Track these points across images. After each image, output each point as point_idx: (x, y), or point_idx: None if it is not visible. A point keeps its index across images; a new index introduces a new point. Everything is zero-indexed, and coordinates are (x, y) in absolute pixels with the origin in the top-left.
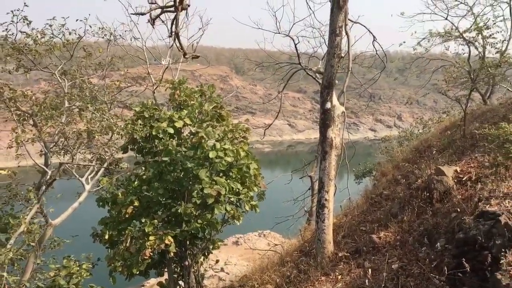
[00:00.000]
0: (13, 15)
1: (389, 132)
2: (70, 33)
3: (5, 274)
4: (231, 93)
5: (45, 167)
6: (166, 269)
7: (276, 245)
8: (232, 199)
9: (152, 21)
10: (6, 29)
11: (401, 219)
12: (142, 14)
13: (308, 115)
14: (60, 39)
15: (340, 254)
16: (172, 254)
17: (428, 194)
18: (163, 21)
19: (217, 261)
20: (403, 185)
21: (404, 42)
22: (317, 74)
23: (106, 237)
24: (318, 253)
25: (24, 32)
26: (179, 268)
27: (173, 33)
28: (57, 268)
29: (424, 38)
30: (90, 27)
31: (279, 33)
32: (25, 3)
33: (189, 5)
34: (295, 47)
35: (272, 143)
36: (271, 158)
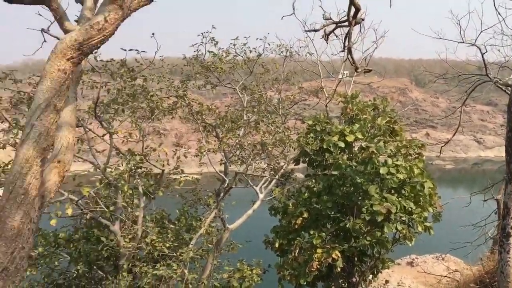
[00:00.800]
0: (203, 37)
1: None
2: (250, 51)
3: (186, 271)
4: (411, 106)
5: (224, 176)
6: (333, 284)
7: (454, 271)
8: (403, 218)
9: (326, 36)
10: (197, 50)
11: None
12: (316, 30)
13: (499, 130)
14: (242, 57)
15: None
16: (339, 269)
17: None
18: (336, 36)
19: (386, 282)
20: None
21: None
22: (508, 87)
23: (277, 245)
24: (501, 287)
25: (211, 51)
26: (346, 284)
27: (346, 48)
28: (231, 270)
29: None
30: (269, 44)
31: (463, 42)
32: (213, 26)
33: (363, 19)
34: (482, 56)
35: (454, 160)
36: (454, 176)
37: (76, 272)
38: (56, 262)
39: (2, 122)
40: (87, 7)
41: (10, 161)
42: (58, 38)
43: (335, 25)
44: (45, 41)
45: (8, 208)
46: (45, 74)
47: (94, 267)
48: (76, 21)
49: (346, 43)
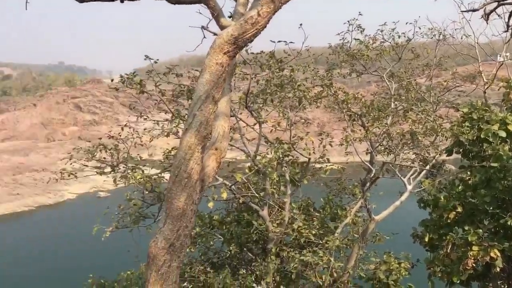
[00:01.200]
0: (349, 25)
1: None
2: (399, 37)
3: (332, 259)
4: None
5: (370, 165)
6: (491, 284)
7: None
8: None
9: (486, 16)
10: (342, 38)
11: None
12: (475, 10)
13: None
14: (390, 43)
15: None
16: (498, 269)
17: None
18: (498, 15)
19: None
20: None
21: None
22: None
23: (426, 239)
24: None
25: (357, 39)
26: (506, 286)
27: (510, 27)
28: (378, 262)
29: None
30: (420, 28)
31: None
32: (359, 12)
33: None
34: None
35: None
36: None
37: (229, 252)
38: (211, 242)
39: (166, 113)
40: (240, 2)
41: (173, 148)
42: (215, 34)
43: (497, 3)
44: (204, 37)
45: (174, 190)
46: (205, 68)
47: (244, 248)
48: (229, 17)
49: (510, 22)
